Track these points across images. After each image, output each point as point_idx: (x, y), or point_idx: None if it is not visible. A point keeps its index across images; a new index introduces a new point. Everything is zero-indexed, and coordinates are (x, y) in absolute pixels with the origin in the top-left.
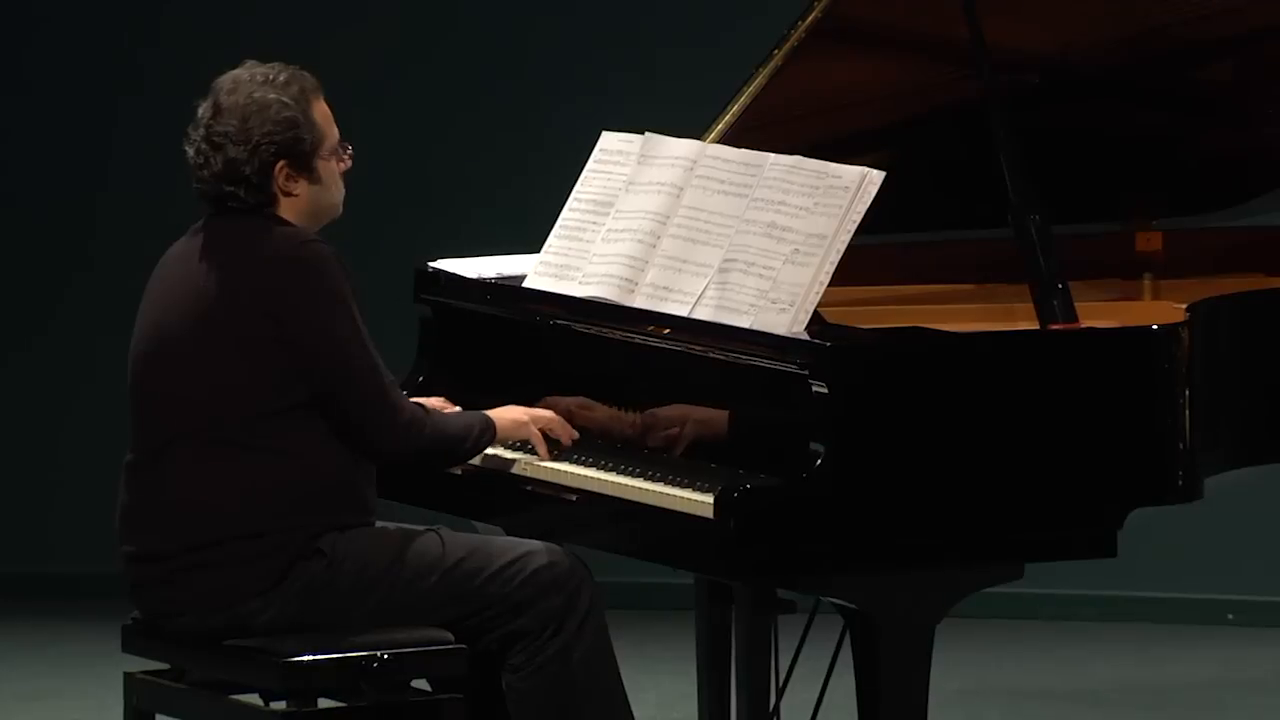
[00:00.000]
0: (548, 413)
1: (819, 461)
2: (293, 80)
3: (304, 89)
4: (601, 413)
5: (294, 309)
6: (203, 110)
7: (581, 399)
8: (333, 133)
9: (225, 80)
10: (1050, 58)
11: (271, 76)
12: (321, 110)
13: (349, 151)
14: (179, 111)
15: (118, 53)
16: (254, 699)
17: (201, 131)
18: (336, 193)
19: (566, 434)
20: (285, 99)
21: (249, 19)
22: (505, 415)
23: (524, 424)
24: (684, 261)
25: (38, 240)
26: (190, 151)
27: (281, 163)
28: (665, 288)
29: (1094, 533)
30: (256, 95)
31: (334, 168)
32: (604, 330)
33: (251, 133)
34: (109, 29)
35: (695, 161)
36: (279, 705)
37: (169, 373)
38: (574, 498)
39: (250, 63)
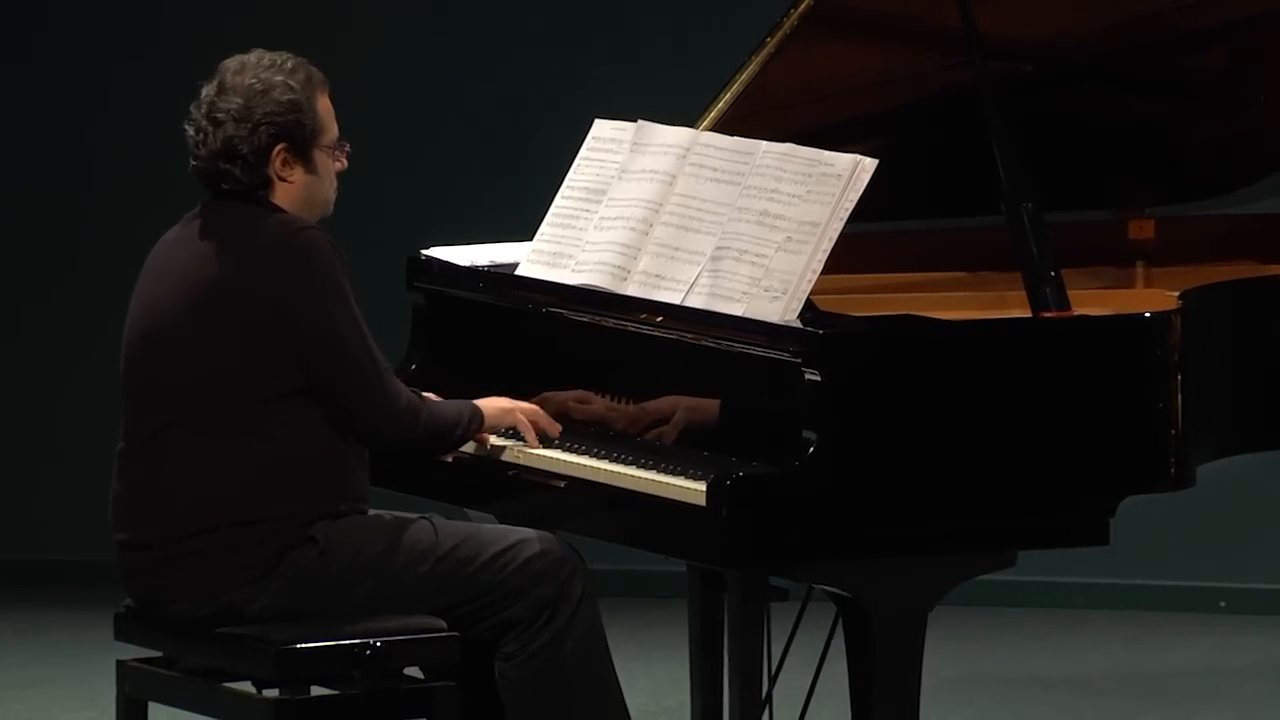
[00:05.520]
0: (532, 406)
1: (811, 449)
2: (300, 68)
3: (310, 78)
4: (598, 405)
5: (289, 296)
6: (207, 89)
7: (579, 393)
8: (333, 128)
9: (232, 62)
10: (1043, 46)
11: (279, 62)
12: (325, 104)
13: (346, 150)
14: (170, 104)
15: (114, 47)
16: (247, 687)
17: (204, 109)
18: (330, 189)
19: (551, 428)
20: (291, 83)
21: (241, 16)
22: (492, 403)
23: (510, 410)
24: (677, 249)
25: (30, 228)
26: (190, 130)
27: (280, 146)
28: (658, 275)
29: (1086, 520)
30: (263, 76)
31: (330, 163)
32: (596, 318)
33: (253, 112)
34: (103, 21)
35: (688, 149)
36: (272, 693)
37: (163, 359)
38: (566, 485)
39: (259, 50)
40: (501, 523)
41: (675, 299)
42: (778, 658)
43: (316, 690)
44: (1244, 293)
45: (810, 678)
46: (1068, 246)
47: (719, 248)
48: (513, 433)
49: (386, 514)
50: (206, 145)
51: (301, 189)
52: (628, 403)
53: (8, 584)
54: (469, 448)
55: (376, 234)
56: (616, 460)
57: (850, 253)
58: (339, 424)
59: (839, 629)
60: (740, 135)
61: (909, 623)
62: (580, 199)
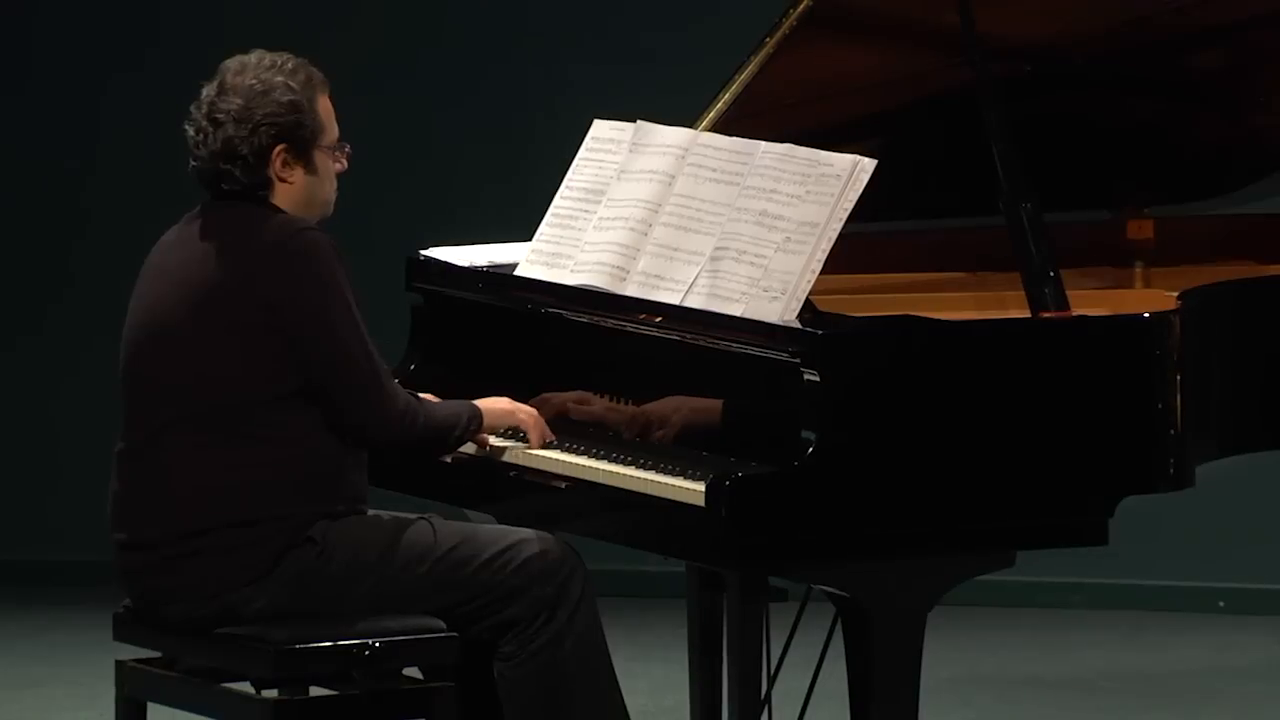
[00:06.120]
0: (530, 409)
1: (810, 450)
2: (300, 69)
3: (311, 79)
4: (598, 405)
5: (289, 296)
6: (207, 90)
7: (579, 393)
8: (333, 129)
9: (233, 62)
10: (1042, 46)
11: (280, 63)
12: (325, 105)
13: (347, 151)
14: (171, 105)
15: (114, 42)
16: (246, 687)
17: (204, 109)
18: (330, 190)
19: (547, 436)
20: (291, 84)
21: (241, 16)
22: (491, 404)
23: (510, 412)
24: (676, 249)
25: (31, 228)
26: (190, 130)
27: (280, 146)
28: (657, 276)
29: (1085, 521)
30: (264, 77)
31: (330, 164)
32: (595, 318)
33: (254, 113)
34: (103, 22)
35: (687, 149)
36: (270, 693)
37: (162, 359)
38: (565, 486)
39: (259, 51)
40: (501, 523)
41: (674, 299)
42: (777, 658)
43: (315, 690)
44: (1243, 293)
45: (810, 678)
46: (1067, 246)
47: (718, 248)
48: (512, 433)
49: (385, 514)
50: (206, 145)
51: (301, 190)
52: (627, 403)
53: (8, 584)
54: (469, 448)
55: (376, 234)
56: (616, 460)
57: (850, 253)
58: (338, 424)
59: (838, 629)
60: (739, 136)
61: (908, 622)
62: (579, 199)
